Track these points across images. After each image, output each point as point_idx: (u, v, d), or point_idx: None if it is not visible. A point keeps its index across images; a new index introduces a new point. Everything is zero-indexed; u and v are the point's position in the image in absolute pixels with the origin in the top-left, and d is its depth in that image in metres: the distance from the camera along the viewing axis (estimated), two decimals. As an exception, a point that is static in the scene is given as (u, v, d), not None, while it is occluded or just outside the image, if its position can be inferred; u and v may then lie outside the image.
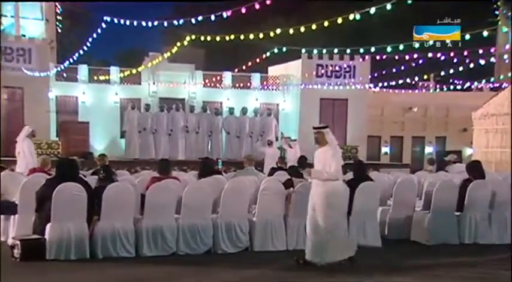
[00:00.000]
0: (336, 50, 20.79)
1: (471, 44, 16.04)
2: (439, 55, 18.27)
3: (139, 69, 20.76)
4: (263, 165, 15.79)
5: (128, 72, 20.77)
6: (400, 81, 21.68)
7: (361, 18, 12.87)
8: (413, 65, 19.99)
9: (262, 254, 7.82)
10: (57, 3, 23.75)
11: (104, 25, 16.17)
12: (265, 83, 23.08)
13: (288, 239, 8.09)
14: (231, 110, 20.78)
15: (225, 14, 13.28)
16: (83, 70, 21.34)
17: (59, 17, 24.52)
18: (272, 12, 27.70)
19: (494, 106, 20.08)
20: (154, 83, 21.72)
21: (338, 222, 6.91)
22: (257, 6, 12.35)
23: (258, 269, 6.86)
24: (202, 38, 16.49)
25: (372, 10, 12.26)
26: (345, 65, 22.48)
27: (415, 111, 25.13)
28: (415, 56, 19.02)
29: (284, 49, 18.87)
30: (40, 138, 17.56)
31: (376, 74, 22.70)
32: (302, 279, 6.48)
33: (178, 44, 17.30)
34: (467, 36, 14.96)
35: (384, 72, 21.85)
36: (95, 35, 17.29)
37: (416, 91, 24.88)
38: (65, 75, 21.03)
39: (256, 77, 22.90)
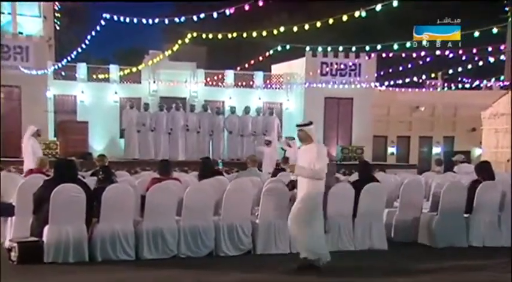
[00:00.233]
0: (341, 48, 20.80)
1: (480, 41, 16.03)
2: (447, 53, 18.26)
3: (140, 67, 20.77)
4: (261, 165, 15.79)
5: (128, 71, 20.79)
6: (407, 80, 21.65)
7: (366, 15, 12.89)
8: (421, 62, 20.00)
9: (265, 256, 7.83)
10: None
11: (103, 22, 16.24)
12: (268, 81, 23.10)
13: (292, 242, 8.09)
14: (233, 109, 20.79)
15: (227, 11, 13.30)
16: (82, 68, 21.37)
17: (57, 14, 24.59)
18: (276, 9, 27.77)
19: (504, 105, 20.08)
20: (154, 82, 21.74)
21: (310, 222, 6.78)
22: (260, 3, 12.37)
23: (261, 273, 6.86)
24: (204, 36, 16.49)
25: (378, 7, 12.27)
26: (350, 63, 22.47)
27: (423, 111, 25.09)
28: (423, 53, 19.03)
29: (288, 47, 18.88)
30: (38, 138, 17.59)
31: (382, 72, 22.70)
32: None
33: (180, 41, 17.32)
34: (476, 33, 14.95)
35: (390, 70, 21.85)
36: (94, 33, 17.34)
37: (424, 90, 24.86)
38: (63, 73, 21.07)
39: (259, 76, 22.91)
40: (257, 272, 6.94)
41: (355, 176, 9.32)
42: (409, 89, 23.87)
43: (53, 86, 20.93)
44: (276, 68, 24.00)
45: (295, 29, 14.15)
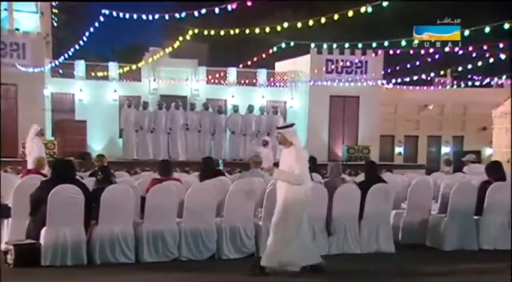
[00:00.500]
0: (346, 45, 20.68)
1: (491, 37, 15.96)
2: (456, 49, 18.18)
3: (139, 65, 20.75)
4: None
5: (127, 68, 20.77)
6: (415, 77, 21.56)
7: (373, 11, 12.83)
8: (429, 60, 19.89)
9: (268, 260, 7.81)
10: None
11: (102, 19, 16.21)
12: (272, 79, 23.10)
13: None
14: (236, 108, 20.77)
15: (229, 7, 13.28)
16: (80, 66, 21.39)
17: (54, 10, 24.59)
18: (279, 4, 27.73)
19: (515, 103, 20.01)
20: (155, 80, 21.76)
21: (297, 233, 6.73)
22: (263, -2, 12.34)
23: (264, 276, 6.84)
24: (205, 32, 16.45)
25: (385, 3, 12.23)
26: (356, 60, 22.45)
27: (431, 109, 25.07)
28: (431, 50, 18.94)
29: (292, 44, 18.81)
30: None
31: (389, 70, 22.62)
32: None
33: (181, 38, 17.29)
34: (487, 29, 14.90)
35: (397, 67, 21.77)
36: (92, 29, 17.31)
37: (432, 88, 24.82)
38: (61, 71, 21.09)
39: (262, 73, 22.91)
40: (261, 275, 6.93)
41: (361, 177, 9.32)
42: (417, 87, 23.86)
43: (50, 84, 20.97)
44: (280, 66, 23.98)
45: (299, 25, 14.10)
